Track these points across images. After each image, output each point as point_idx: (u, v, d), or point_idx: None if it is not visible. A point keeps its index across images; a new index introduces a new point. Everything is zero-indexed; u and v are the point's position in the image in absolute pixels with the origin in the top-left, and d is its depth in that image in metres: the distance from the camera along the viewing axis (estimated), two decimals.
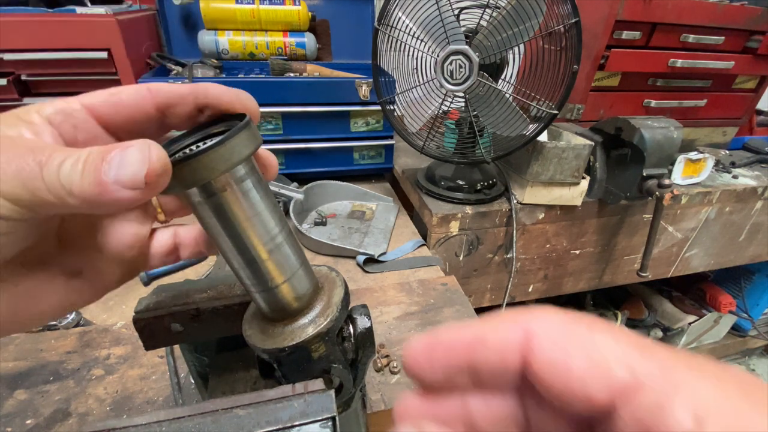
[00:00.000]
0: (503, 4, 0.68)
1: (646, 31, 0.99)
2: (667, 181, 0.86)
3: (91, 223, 0.21)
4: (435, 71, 0.75)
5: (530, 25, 0.67)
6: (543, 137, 0.82)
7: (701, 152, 1.03)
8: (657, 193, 0.86)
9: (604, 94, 1.08)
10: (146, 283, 0.68)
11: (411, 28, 0.74)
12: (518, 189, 0.92)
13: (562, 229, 0.98)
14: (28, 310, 0.20)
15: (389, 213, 0.94)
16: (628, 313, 1.50)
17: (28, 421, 0.45)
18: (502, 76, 0.77)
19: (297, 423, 0.22)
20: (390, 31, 0.75)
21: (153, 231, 0.24)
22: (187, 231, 0.24)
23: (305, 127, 0.95)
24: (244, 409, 0.23)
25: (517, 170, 0.92)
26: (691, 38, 1.01)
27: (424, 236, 0.89)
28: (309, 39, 1.10)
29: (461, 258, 0.94)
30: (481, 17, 0.71)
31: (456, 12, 0.72)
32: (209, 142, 0.19)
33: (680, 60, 1.02)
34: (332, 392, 0.24)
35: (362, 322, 0.30)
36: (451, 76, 0.74)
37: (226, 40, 1.05)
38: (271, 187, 0.82)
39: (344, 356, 0.29)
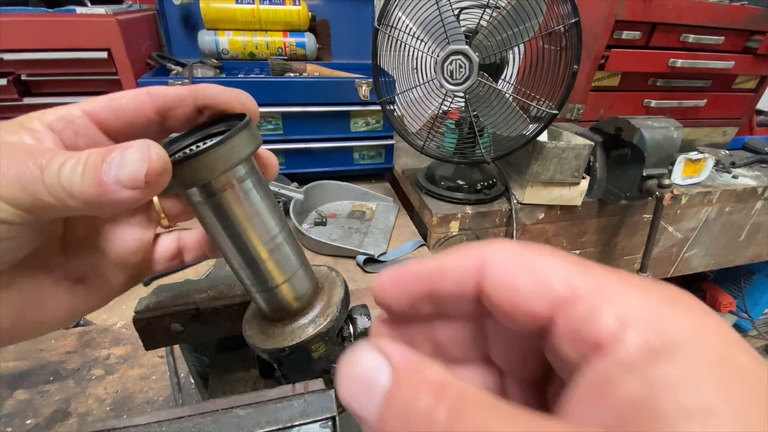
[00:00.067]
0: (503, 4, 0.68)
1: (646, 31, 0.99)
2: (667, 181, 0.86)
3: (94, 229, 0.22)
4: (435, 71, 0.75)
5: (530, 25, 0.67)
6: (543, 137, 0.82)
7: (701, 152, 1.03)
8: (657, 193, 0.86)
9: (604, 94, 1.08)
10: (146, 283, 0.68)
11: (411, 28, 0.74)
12: (518, 189, 0.92)
13: (562, 229, 0.98)
14: (33, 317, 0.20)
15: (389, 213, 0.94)
16: None
17: (28, 421, 0.45)
18: (502, 76, 0.77)
19: (297, 423, 0.22)
20: (390, 31, 0.75)
21: (156, 236, 0.24)
22: (190, 235, 0.24)
23: (305, 127, 0.95)
24: (244, 409, 0.23)
25: (517, 170, 0.92)
26: (691, 38, 1.01)
27: (424, 236, 0.89)
28: (309, 39, 1.10)
29: None
30: (481, 17, 0.71)
31: (456, 12, 0.72)
32: (209, 142, 0.19)
33: (680, 60, 1.02)
34: (332, 392, 0.24)
35: (362, 322, 0.30)
36: (451, 76, 0.74)
37: (226, 40, 1.05)
38: (271, 187, 0.82)
39: None
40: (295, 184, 0.90)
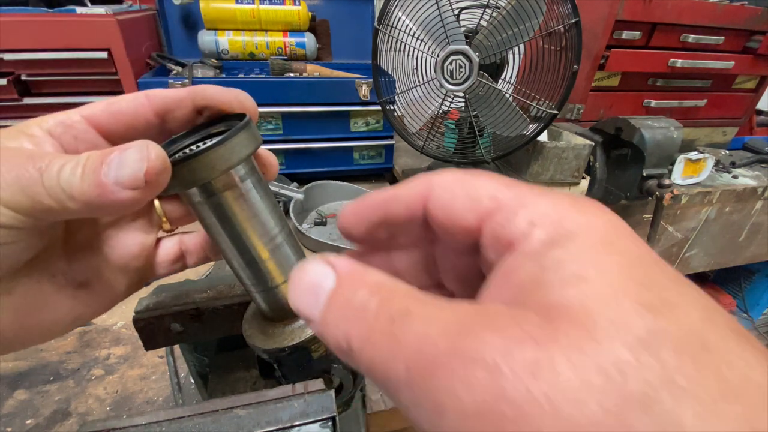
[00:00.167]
0: (503, 4, 0.68)
1: (646, 31, 0.99)
2: (667, 181, 0.86)
3: (96, 234, 0.22)
4: (435, 71, 0.75)
5: (530, 25, 0.67)
6: (543, 137, 0.82)
7: (701, 152, 1.03)
8: (657, 193, 0.86)
9: (604, 94, 1.07)
10: (146, 284, 0.68)
11: (411, 28, 0.74)
12: None
13: None
14: (36, 323, 0.20)
15: None
16: None
17: (28, 421, 0.45)
18: (502, 76, 0.77)
19: (297, 423, 0.22)
20: (390, 31, 0.75)
21: (158, 240, 0.24)
22: (192, 238, 0.24)
23: (305, 127, 0.95)
24: (244, 409, 0.23)
25: (517, 170, 0.92)
26: (691, 38, 1.01)
27: None
28: (309, 39, 1.10)
29: None
30: (481, 17, 0.71)
31: (456, 12, 0.72)
32: (209, 142, 0.19)
33: (680, 60, 1.02)
34: (332, 392, 0.24)
35: None
36: (451, 76, 0.74)
37: (226, 40, 1.05)
38: (271, 187, 0.82)
39: None
40: (295, 184, 0.90)
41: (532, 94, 0.74)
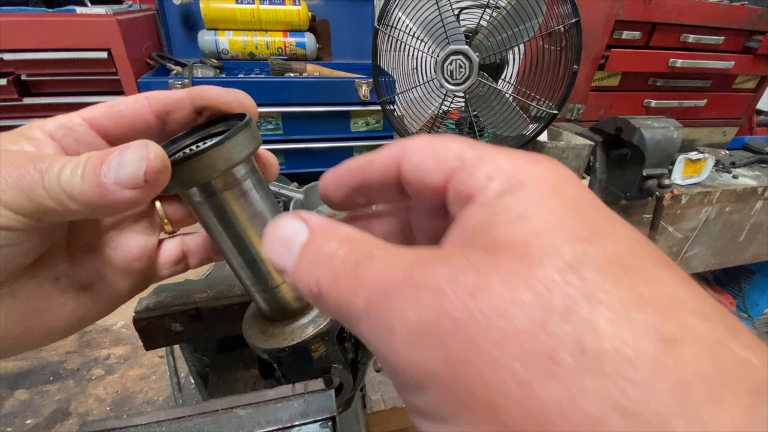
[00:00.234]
0: (503, 4, 0.68)
1: (646, 31, 0.99)
2: (667, 181, 0.86)
3: (99, 236, 0.22)
4: (435, 71, 0.75)
5: (530, 25, 0.67)
6: (543, 137, 0.82)
7: (701, 152, 1.03)
8: (657, 193, 0.86)
9: (604, 94, 1.07)
10: None
11: (411, 28, 0.74)
12: None
13: None
14: (40, 326, 0.20)
15: None
16: None
17: (28, 421, 0.45)
18: (502, 76, 0.77)
19: (297, 423, 0.22)
20: (390, 31, 0.75)
21: (160, 242, 0.24)
22: (194, 239, 0.25)
23: (305, 127, 0.95)
24: (244, 409, 0.23)
25: None
26: (691, 38, 1.01)
27: None
28: (309, 39, 1.10)
29: None
30: (481, 17, 0.71)
31: (456, 12, 0.72)
32: (209, 142, 0.19)
33: (680, 60, 1.02)
34: (332, 392, 0.24)
35: None
36: (451, 76, 0.74)
37: (226, 40, 1.05)
38: (271, 187, 0.82)
39: (344, 356, 0.29)
40: (295, 184, 0.90)
41: (532, 94, 0.74)
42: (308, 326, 0.25)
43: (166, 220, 0.24)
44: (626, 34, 0.97)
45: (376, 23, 0.75)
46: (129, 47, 0.86)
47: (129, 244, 0.22)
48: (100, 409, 0.46)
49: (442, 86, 0.75)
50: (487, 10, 0.70)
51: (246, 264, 0.23)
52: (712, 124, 1.22)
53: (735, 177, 1.12)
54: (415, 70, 0.79)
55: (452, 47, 0.71)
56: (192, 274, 0.75)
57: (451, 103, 0.79)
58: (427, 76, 0.78)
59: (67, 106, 0.91)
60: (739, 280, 1.55)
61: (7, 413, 0.45)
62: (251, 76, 1.00)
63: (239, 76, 1.00)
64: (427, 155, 0.14)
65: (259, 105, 0.23)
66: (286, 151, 0.96)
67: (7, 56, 0.80)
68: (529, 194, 0.11)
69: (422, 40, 0.74)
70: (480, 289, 0.10)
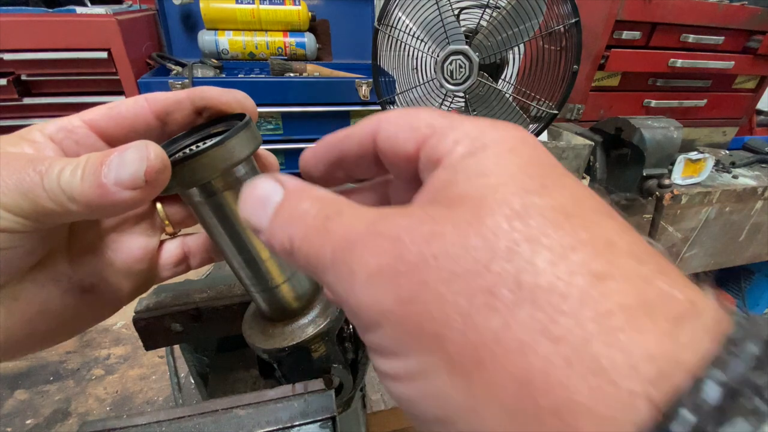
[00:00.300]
0: (503, 4, 0.68)
1: (646, 31, 0.99)
2: (667, 181, 0.86)
3: (100, 238, 0.22)
4: (435, 71, 0.75)
5: (530, 25, 0.67)
6: (543, 137, 0.82)
7: (701, 152, 1.03)
8: (657, 193, 0.86)
9: (604, 94, 1.07)
10: None
11: (411, 28, 0.74)
12: None
13: None
14: (43, 328, 0.20)
15: None
16: None
17: (28, 421, 0.45)
18: (502, 76, 0.77)
19: (297, 423, 0.22)
20: (390, 31, 0.75)
21: (161, 243, 0.24)
22: (195, 240, 0.25)
23: (305, 127, 0.95)
24: (244, 409, 0.23)
25: None
26: (691, 38, 1.01)
27: None
28: (309, 39, 1.10)
29: None
30: (481, 17, 0.71)
31: (456, 12, 0.72)
32: (209, 142, 0.19)
33: (680, 60, 1.02)
34: (332, 392, 0.24)
35: None
36: (451, 76, 0.74)
37: (226, 40, 1.05)
38: None
39: (344, 356, 0.29)
40: None
41: (532, 94, 0.74)
42: (308, 326, 0.25)
43: (167, 222, 0.24)
44: (626, 34, 0.97)
45: (376, 23, 0.75)
46: (129, 47, 0.86)
47: (130, 245, 0.22)
48: (100, 409, 0.46)
49: (442, 86, 0.75)
50: (487, 10, 0.70)
51: (246, 264, 0.23)
52: (712, 124, 1.23)
53: (735, 177, 1.12)
54: (415, 70, 0.79)
55: (452, 47, 0.71)
56: (192, 275, 0.75)
57: (451, 103, 0.79)
58: (427, 76, 0.78)
59: (67, 106, 0.91)
60: (739, 280, 1.55)
61: (7, 413, 0.45)
62: (251, 76, 1.00)
63: (239, 76, 1.00)
64: (401, 125, 0.14)
65: (259, 105, 0.23)
66: (286, 151, 0.96)
67: (7, 56, 0.80)
68: (488, 154, 0.12)
69: (422, 40, 0.74)
70: (435, 236, 0.10)
